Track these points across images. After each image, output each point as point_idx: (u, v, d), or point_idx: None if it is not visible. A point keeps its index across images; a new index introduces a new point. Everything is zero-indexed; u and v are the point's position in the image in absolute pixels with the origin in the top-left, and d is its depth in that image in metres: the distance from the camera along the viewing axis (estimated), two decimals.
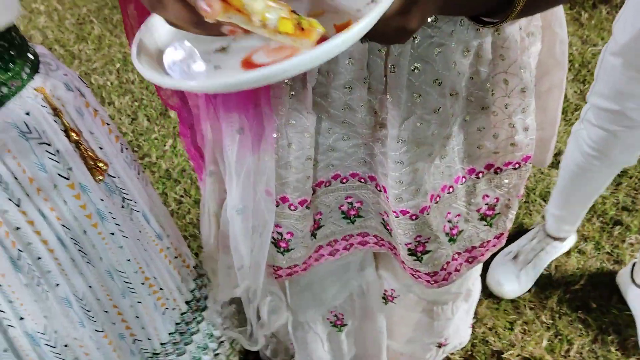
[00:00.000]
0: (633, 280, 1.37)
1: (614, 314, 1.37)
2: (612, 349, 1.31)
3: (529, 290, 1.42)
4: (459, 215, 0.76)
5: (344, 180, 0.72)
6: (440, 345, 1.11)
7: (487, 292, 1.42)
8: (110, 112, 2.02)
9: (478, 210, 0.76)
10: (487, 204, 0.76)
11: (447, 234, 0.76)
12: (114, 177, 0.65)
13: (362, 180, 0.72)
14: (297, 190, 0.68)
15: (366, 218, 0.78)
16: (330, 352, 1.05)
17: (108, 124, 0.67)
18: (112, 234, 0.64)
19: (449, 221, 0.76)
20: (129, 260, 0.67)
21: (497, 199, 0.75)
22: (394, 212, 0.70)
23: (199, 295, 0.94)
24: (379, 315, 1.04)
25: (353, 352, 1.09)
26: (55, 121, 0.59)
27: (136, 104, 2.06)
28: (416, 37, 0.55)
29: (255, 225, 0.69)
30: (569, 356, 1.31)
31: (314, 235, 0.77)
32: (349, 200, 0.75)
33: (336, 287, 0.95)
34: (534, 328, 1.36)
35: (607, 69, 1.04)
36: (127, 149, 0.72)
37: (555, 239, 1.44)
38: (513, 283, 1.41)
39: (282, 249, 0.76)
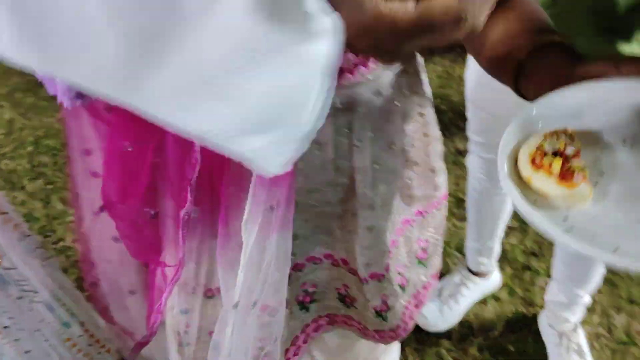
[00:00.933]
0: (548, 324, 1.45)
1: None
2: None
3: (452, 340, 1.47)
4: (404, 265, 0.80)
5: (301, 268, 0.73)
6: None
7: (412, 346, 1.45)
8: (22, 197, 1.96)
9: (416, 256, 0.80)
10: (421, 248, 0.80)
11: (400, 285, 0.79)
12: (10, 268, 0.64)
13: (318, 261, 0.74)
14: None
15: (322, 300, 0.78)
16: None
17: (5, 213, 0.67)
18: (6, 327, 0.62)
19: (399, 273, 0.79)
20: (27, 351, 0.65)
21: (427, 241, 0.80)
22: (364, 279, 0.72)
23: None
24: None
25: None
26: None
27: (49, 186, 2.01)
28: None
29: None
30: None
31: None
32: (304, 288, 0.75)
33: None
34: None
35: (469, 109, 1.23)
36: (28, 236, 0.71)
37: (475, 274, 1.52)
38: (437, 317, 1.47)
39: None
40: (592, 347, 1.45)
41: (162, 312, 0.66)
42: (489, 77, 0.59)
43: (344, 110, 0.60)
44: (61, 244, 1.76)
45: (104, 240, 0.69)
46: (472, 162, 1.34)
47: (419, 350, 1.45)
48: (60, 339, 0.72)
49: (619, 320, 1.51)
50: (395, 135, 0.66)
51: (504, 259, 1.67)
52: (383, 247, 0.71)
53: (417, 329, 1.49)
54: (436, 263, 0.83)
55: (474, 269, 1.53)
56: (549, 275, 1.44)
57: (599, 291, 1.58)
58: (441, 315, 1.49)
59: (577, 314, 1.39)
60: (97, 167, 0.64)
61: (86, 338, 0.82)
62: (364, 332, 0.82)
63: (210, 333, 0.69)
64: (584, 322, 1.50)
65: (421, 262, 0.81)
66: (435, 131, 0.73)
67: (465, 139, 1.32)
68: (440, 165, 0.75)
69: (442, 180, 0.76)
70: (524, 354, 1.44)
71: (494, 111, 1.15)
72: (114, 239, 0.68)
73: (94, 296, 0.77)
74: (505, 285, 1.60)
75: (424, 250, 0.81)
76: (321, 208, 0.68)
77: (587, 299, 1.36)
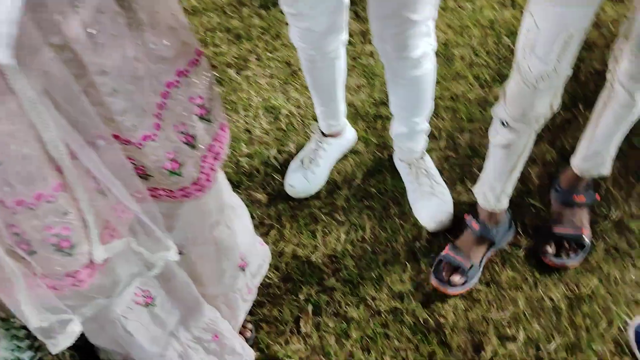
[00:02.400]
0: (398, 158, 1.58)
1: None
2: (396, 219, 1.50)
3: (321, 199, 1.57)
4: (184, 124, 0.82)
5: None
6: (242, 269, 1.20)
7: (288, 214, 1.54)
8: None
9: (196, 114, 0.83)
10: (198, 105, 0.83)
11: (186, 142, 0.83)
12: None
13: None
14: None
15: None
16: (157, 328, 1.08)
17: None
18: None
19: (180, 132, 0.82)
20: None
21: (202, 97, 0.83)
22: (138, 144, 0.75)
23: None
24: (178, 271, 1.10)
25: (177, 315, 1.13)
26: None
27: None
28: None
29: None
30: (365, 239, 1.48)
31: None
32: None
33: (127, 267, 0.97)
34: (332, 229, 1.51)
35: None
36: None
37: (328, 135, 1.61)
38: (303, 183, 1.58)
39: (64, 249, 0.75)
40: (442, 169, 1.59)
41: None
42: None
43: None
44: None
45: None
46: (292, 33, 1.36)
47: (294, 216, 1.55)
48: None
49: (463, 139, 1.66)
50: None
51: (357, 116, 1.76)
52: (144, 108, 0.74)
53: (289, 198, 1.58)
54: (219, 115, 0.87)
55: (326, 131, 1.62)
56: None
57: (442, 118, 1.71)
58: (307, 181, 1.58)
59: (420, 143, 1.51)
60: None
61: None
62: (172, 196, 0.88)
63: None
64: (432, 150, 1.64)
65: (203, 118, 0.86)
66: None
67: None
68: (175, 21, 0.76)
69: (187, 36, 0.78)
70: (385, 191, 1.57)
71: None
72: None
73: None
74: (360, 138, 1.70)
75: (202, 107, 0.85)
76: (64, 93, 0.68)
77: (425, 126, 1.47)
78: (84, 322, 0.88)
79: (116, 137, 0.76)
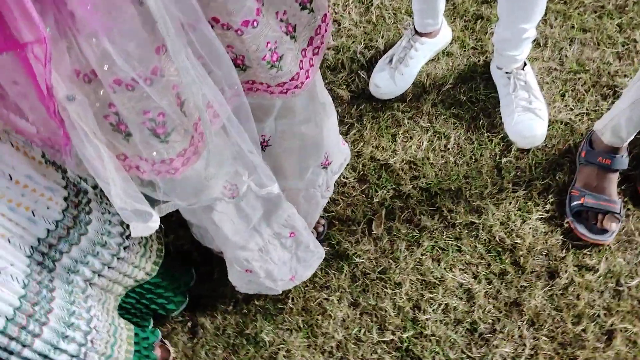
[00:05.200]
0: (496, 66, 1.46)
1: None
2: (484, 132, 1.42)
3: (406, 102, 1.50)
4: (285, 13, 0.78)
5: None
6: (325, 167, 1.20)
7: (370, 114, 1.50)
8: None
9: (296, 1, 0.79)
10: None
11: (286, 32, 0.79)
12: None
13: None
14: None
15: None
16: (242, 221, 1.11)
17: None
18: None
19: (281, 20, 0.78)
20: None
21: None
22: (238, 30, 0.71)
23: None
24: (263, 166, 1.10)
25: (261, 210, 1.15)
26: None
27: None
28: None
29: None
30: (448, 149, 1.42)
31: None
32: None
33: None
34: (414, 134, 1.46)
35: None
36: None
37: (422, 34, 1.51)
38: (389, 84, 1.50)
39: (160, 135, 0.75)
40: (543, 82, 1.47)
41: (54, 98, 0.68)
42: None
43: None
44: None
45: None
46: None
47: (375, 117, 1.50)
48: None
49: (571, 51, 1.50)
50: None
51: (455, 14, 1.63)
52: None
53: (373, 97, 1.52)
54: (322, 4, 0.81)
55: (421, 30, 1.50)
56: None
57: (551, 25, 1.55)
58: (393, 81, 1.50)
59: (523, 50, 1.38)
60: None
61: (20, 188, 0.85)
62: (270, 91, 0.85)
63: (107, 117, 0.71)
64: (535, 59, 1.51)
65: (304, 6, 0.80)
66: None
67: None
68: None
69: None
70: (476, 101, 1.47)
71: None
72: None
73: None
74: (456, 39, 1.58)
75: None
76: None
77: (532, 33, 1.34)
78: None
79: (216, 20, 0.73)
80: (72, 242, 0.94)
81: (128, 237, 1.06)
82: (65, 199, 0.94)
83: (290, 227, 1.14)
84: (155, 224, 0.77)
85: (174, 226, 1.35)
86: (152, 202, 0.84)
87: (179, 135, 0.74)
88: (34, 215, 0.87)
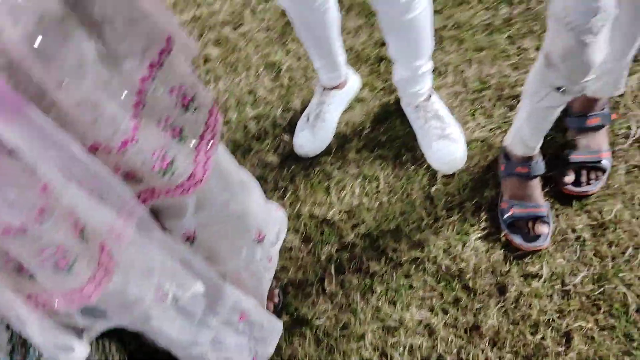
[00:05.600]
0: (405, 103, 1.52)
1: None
2: (409, 165, 1.47)
3: (332, 154, 1.55)
4: (169, 117, 0.80)
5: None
6: (260, 241, 1.21)
7: (301, 174, 1.53)
8: None
9: (181, 103, 0.81)
10: (182, 94, 0.80)
11: (172, 136, 0.80)
12: None
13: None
14: None
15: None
16: (185, 320, 1.07)
17: None
18: None
19: (164, 127, 0.79)
20: None
21: (182, 86, 0.80)
22: (118, 148, 0.73)
23: None
24: (194, 259, 1.10)
25: (203, 303, 1.14)
26: None
27: None
28: None
29: None
30: (380, 190, 1.46)
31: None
32: None
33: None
34: (346, 183, 1.50)
35: None
36: None
37: (331, 88, 1.57)
38: (312, 141, 1.55)
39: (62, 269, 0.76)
40: (452, 106, 1.54)
41: None
42: None
43: None
44: None
45: None
46: None
47: (307, 175, 1.54)
48: None
49: (471, 72, 1.59)
50: None
51: (358, 60, 1.70)
52: (117, 111, 0.71)
53: (300, 157, 1.56)
54: (205, 99, 0.84)
55: (328, 85, 1.57)
56: None
57: (447, 52, 1.64)
58: (314, 138, 1.55)
59: (425, 84, 1.45)
60: None
61: None
62: (172, 195, 0.87)
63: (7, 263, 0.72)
64: (440, 87, 1.58)
65: (187, 106, 0.83)
66: None
67: None
68: (136, 12, 0.72)
69: (149, 24, 0.74)
70: (395, 138, 1.53)
71: None
72: None
73: None
74: (365, 84, 1.65)
75: (184, 95, 0.82)
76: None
77: (428, 66, 1.41)
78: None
79: (96, 147, 0.74)
80: None
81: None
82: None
83: (238, 312, 1.15)
84: (81, 354, 0.78)
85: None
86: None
87: (83, 263, 0.75)
88: None
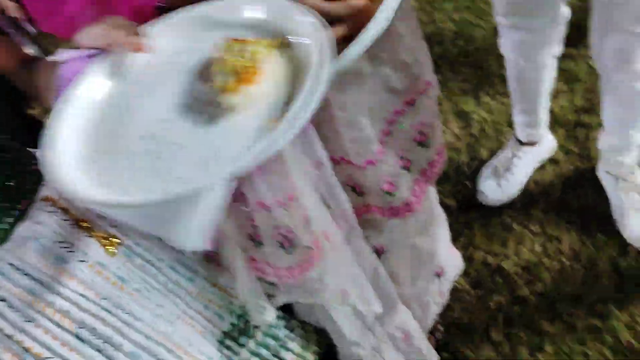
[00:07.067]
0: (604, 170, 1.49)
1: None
2: (598, 235, 1.43)
3: (515, 208, 1.55)
4: (404, 149, 0.90)
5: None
6: (438, 275, 1.25)
7: (478, 222, 1.55)
8: None
9: (414, 140, 0.91)
10: (419, 132, 0.91)
11: (403, 167, 0.91)
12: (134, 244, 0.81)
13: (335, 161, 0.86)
14: None
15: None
16: (357, 319, 1.15)
17: None
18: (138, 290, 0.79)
19: (402, 157, 0.90)
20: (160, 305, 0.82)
21: (423, 124, 0.90)
22: (361, 166, 0.85)
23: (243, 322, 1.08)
24: (381, 271, 1.17)
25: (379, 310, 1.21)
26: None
27: None
28: None
29: None
30: (562, 252, 1.43)
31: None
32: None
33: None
34: (525, 239, 1.49)
35: None
36: None
37: (524, 144, 1.58)
38: (496, 191, 1.56)
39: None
40: None
41: None
42: None
43: None
44: None
45: None
46: (504, 44, 1.38)
47: (484, 224, 1.55)
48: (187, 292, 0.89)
49: None
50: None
51: (556, 122, 1.70)
52: (372, 136, 0.82)
53: (481, 206, 1.58)
54: (437, 142, 0.92)
55: (523, 139, 1.58)
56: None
57: None
58: (500, 189, 1.56)
59: (632, 155, 1.41)
60: None
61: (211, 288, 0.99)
62: (382, 214, 0.95)
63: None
64: None
65: (421, 144, 0.92)
66: (402, 28, 0.80)
67: None
68: (411, 57, 0.82)
69: (419, 69, 0.83)
70: (587, 206, 1.49)
71: None
72: None
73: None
74: (560, 146, 1.64)
75: (422, 133, 0.91)
76: None
77: (639, 138, 1.38)
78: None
79: (343, 159, 0.85)
80: (249, 335, 1.01)
81: (292, 330, 1.13)
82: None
83: (403, 331, 1.18)
84: (270, 317, 0.88)
85: None
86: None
87: (301, 248, 0.84)
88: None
